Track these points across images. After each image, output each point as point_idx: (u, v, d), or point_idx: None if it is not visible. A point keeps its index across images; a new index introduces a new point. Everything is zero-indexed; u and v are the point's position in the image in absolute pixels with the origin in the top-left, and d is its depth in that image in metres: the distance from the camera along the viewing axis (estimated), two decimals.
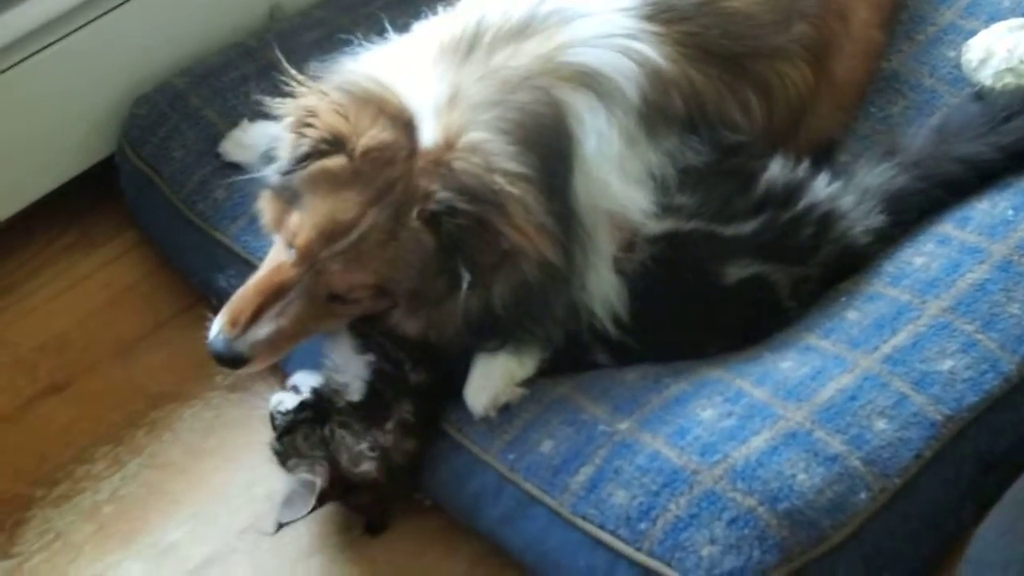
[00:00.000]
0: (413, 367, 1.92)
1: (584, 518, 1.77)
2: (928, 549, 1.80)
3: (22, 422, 2.19)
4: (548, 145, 1.83)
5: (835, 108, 2.14)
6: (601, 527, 1.76)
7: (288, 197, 1.87)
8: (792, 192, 1.93)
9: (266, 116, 2.25)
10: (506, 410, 1.89)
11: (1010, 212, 1.97)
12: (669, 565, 1.70)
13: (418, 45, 1.93)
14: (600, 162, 1.87)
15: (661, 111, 1.91)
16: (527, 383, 1.90)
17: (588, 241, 1.87)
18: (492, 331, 1.86)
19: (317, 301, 1.86)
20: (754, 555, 1.67)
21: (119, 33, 2.36)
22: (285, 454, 1.93)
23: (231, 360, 1.87)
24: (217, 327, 1.87)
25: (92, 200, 2.44)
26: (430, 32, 1.95)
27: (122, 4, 2.35)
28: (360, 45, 1.97)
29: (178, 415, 2.18)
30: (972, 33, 2.20)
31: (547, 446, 1.84)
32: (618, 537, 1.74)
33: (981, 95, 2.13)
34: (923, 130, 2.08)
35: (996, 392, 1.81)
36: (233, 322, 1.86)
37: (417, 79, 1.85)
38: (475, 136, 1.80)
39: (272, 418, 1.95)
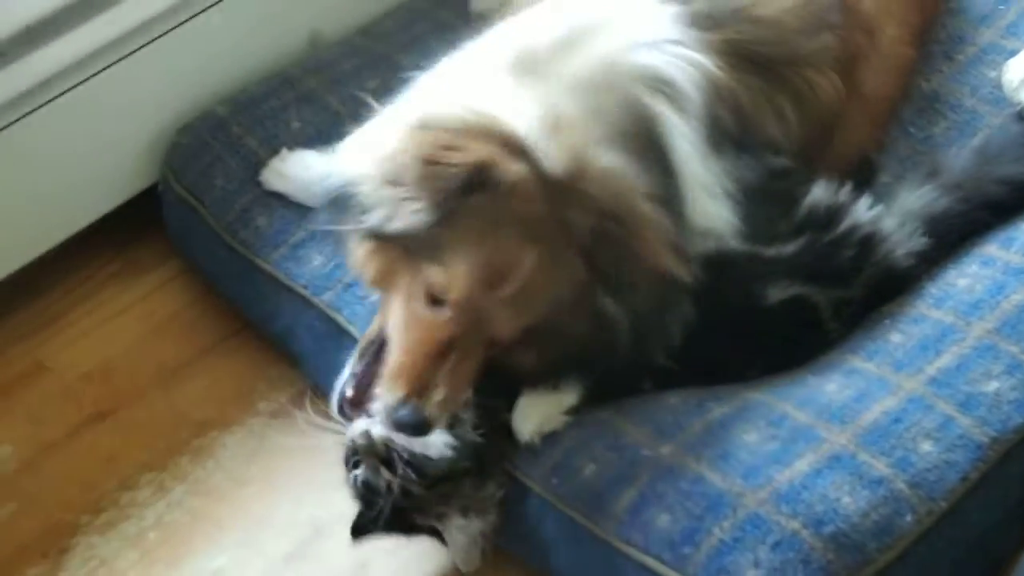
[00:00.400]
0: (502, 402, 1.89)
1: (628, 543, 1.76)
2: (975, 571, 1.78)
3: (68, 450, 2.21)
4: (656, 155, 1.81)
5: (866, 122, 2.13)
6: (645, 552, 1.75)
7: (413, 248, 1.75)
8: (834, 215, 1.92)
9: (306, 144, 2.31)
10: (550, 436, 1.89)
11: None
12: None
13: (480, 69, 1.86)
14: (690, 176, 1.85)
15: (719, 123, 1.89)
16: (573, 411, 1.89)
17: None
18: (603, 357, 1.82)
19: (480, 350, 1.78)
20: None
21: (162, 63, 2.38)
22: (427, 503, 1.85)
23: (422, 426, 1.76)
24: (394, 397, 1.75)
25: (136, 229, 2.46)
26: (484, 54, 1.89)
27: (164, 34, 2.38)
28: (414, 74, 1.92)
29: (221, 442, 2.19)
30: (1013, 53, 2.19)
31: (590, 470, 1.83)
32: (662, 561, 1.73)
33: (1022, 116, 2.12)
34: (964, 151, 2.07)
35: None
36: (419, 390, 1.74)
37: (504, 104, 1.77)
38: (602, 159, 1.74)
39: (400, 458, 1.84)
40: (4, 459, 2.20)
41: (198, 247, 2.35)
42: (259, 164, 2.30)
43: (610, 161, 1.76)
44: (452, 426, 1.84)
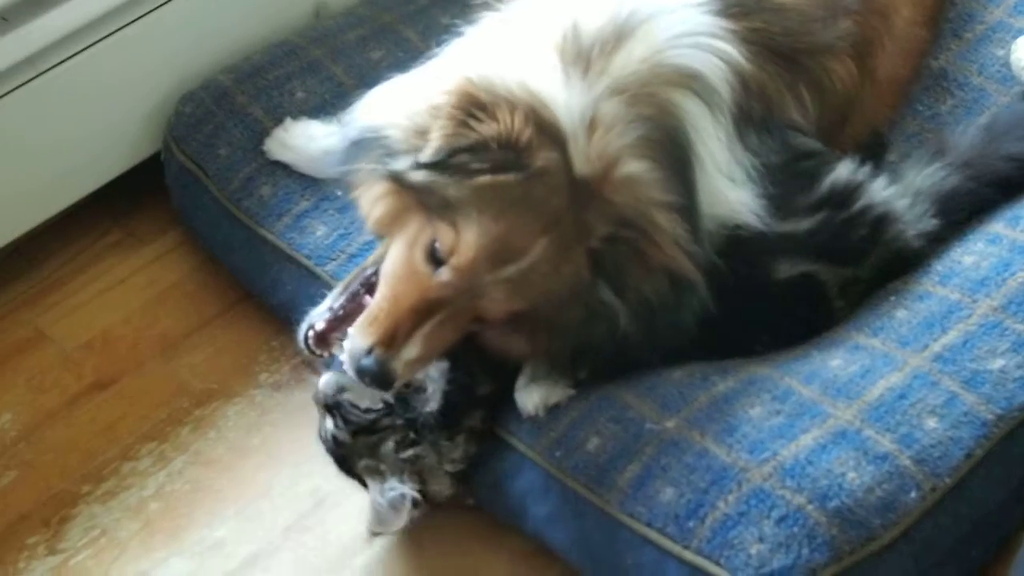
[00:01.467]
0: (483, 380, 1.91)
1: (631, 516, 1.76)
2: (979, 549, 1.78)
3: (68, 419, 2.20)
4: (680, 162, 1.81)
5: (879, 104, 2.13)
6: (648, 525, 1.75)
7: (431, 202, 1.74)
8: (851, 193, 1.92)
9: (309, 114, 2.29)
10: (554, 409, 1.88)
11: None
12: (717, 563, 1.69)
13: (527, 45, 1.83)
14: (713, 170, 1.85)
15: (744, 111, 1.89)
16: (577, 384, 1.89)
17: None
18: (607, 353, 1.83)
19: (463, 322, 1.78)
20: (803, 553, 1.66)
21: (165, 31, 2.37)
22: (353, 453, 1.89)
23: (384, 378, 1.76)
24: (365, 343, 1.75)
25: (137, 198, 2.45)
26: (527, 28, 1.86)
27: (168, 2, 2.36)
28: (460, 33, 1.89)
29: (222, 412, 2.18)
30: (1021, 32, 2.19)
31: (594, 444, 1.83)
32: (666, 535, 1.73)
33: None
34: (971, 129, 2.06)
35: None
36: (389, 341, 1.74)
37: (555, 91, 1.76)
38: (629, 167, 1.75)
39: (337, 406, 1.89)
40: (4, 427, 2.19)
41: (201, 216, 2.34)
42: (263, 133, 2.29)
43: (635, 169, 1.76)
44: (409, 386, 1.86)
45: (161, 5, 2.36)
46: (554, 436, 1.86)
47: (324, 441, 1.93)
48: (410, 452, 1.88)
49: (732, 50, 1.87)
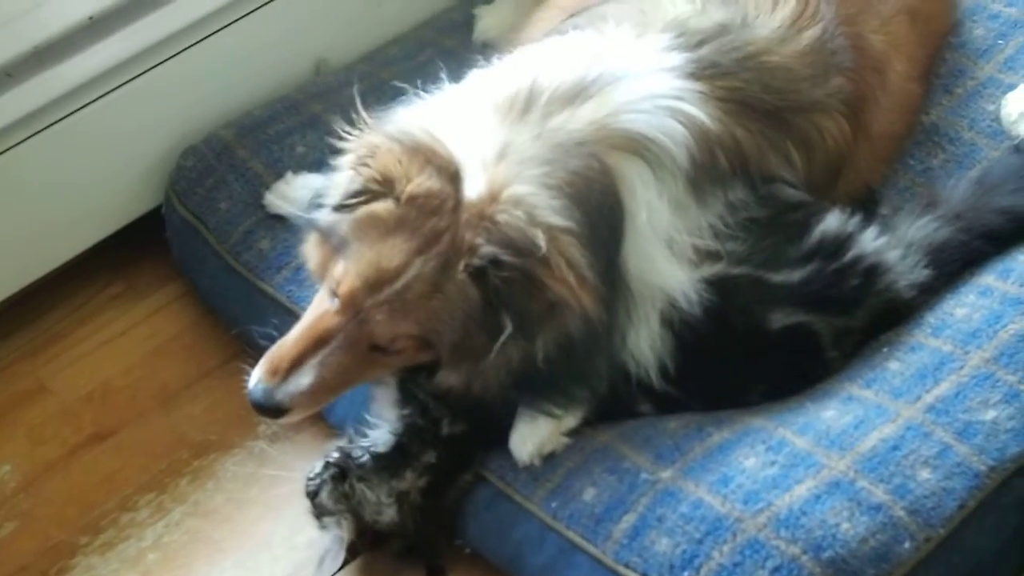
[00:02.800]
0: (450, 421, 1.93)
1: (627, 566, 1.77)
2: None
3: (67, 470, 2.21)
4: (597, 208, 1.83)
5: (873, 160, 2.16)
6: (644, 575, 1.75)
7: (335, 244, 1.87)
8: (842, 244, 1.94)
9: (310, 168, 2.32)
10: (550, 459, 1.89)
11: None
12: None
13: (472, 100, 1.93)
14: (650, 236, 1.87)
15: (708, 171, 1.91)
16: (572, 432, 1.91)
17: (633, 303, 1.87)
18: (535, 385, 1.86)
19: (359, 350, 1.85)
20: None
21: (167, 86, 2.40)
22: (318, 515, 1.96)
23: (270, 410, 1.86)
24: (257, 376, 1.87)
25: (139, 251, 2.48)
26: (483, 87, 1.96)
27: (171, 58, 2.40)
28: (415, 95, 1.98)
29: (221, 464, 2.19)
30: (1011, 87, 2.22)
31: (590, 494, 1.84)
32: None
33: (1020, 148, 2.14)
34: (963, 182, 2.09)
35: None
36: (273, 371, 1.85)
37: (468, 133, 1.85)
38: (519, 189, 1.80)
39: (306, 486, 1.97)
40: (3, 479, 2.20)
41: (200, 269, 2.36)
42: (263, 187, 2.32)
43: (525, 192, 1.80)
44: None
45: (164, 61, 2.39)
46: (550, 486, 1.87)
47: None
48: (338, 491, 1.92)
49: (697, 112, 1.90)
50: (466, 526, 1.96)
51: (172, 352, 2.36)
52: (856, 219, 1.97)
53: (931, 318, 1.95)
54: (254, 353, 1.93)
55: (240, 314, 2.29)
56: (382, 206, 1.81)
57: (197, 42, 2.41)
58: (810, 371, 1.92)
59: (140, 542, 2.10)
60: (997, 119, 2.20)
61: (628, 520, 1.79)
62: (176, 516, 2.13)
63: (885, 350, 1.93)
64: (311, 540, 2.05)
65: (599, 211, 1.83)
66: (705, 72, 1.95)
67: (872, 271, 1.93)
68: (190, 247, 2.37)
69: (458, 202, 1.80)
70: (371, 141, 1.85)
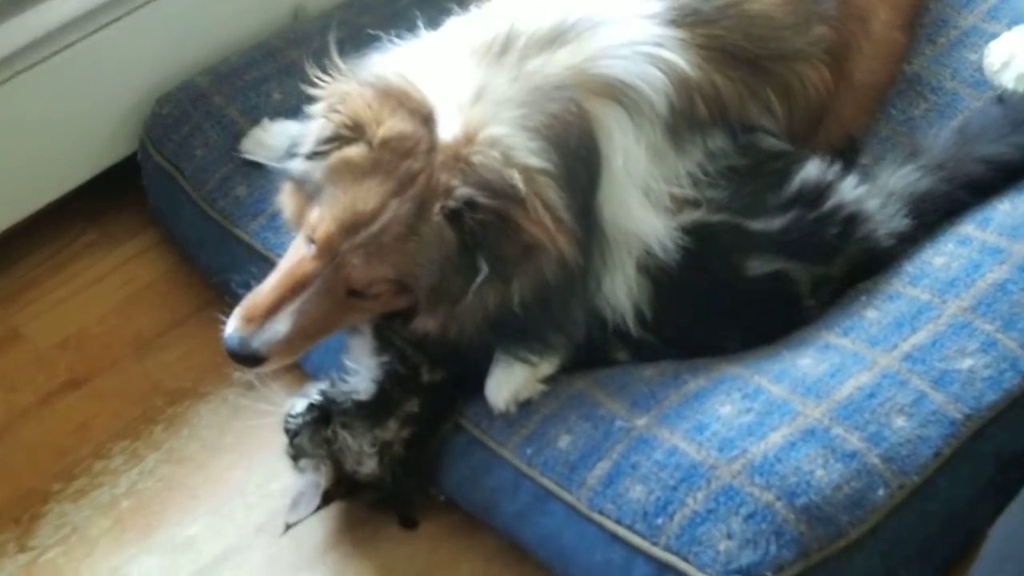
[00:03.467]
0: (429, 368, 1.92)
1: (601, 513, 1.77)
2: (946, 547, 1.79)
3: (40, 417, 2.20)
4: (574, 151, 1.82)
5: (855, 109, 2.14)
6: (618, 522, 1.75)
7: (309, 191, 1.86)
8: (822, 192, 1.93)
9: (287, 114, 2.30)
10: (525, 406, 1.89)
11: None
12: (686, 560, 1.69)
13: (448, 44, 1.92)
14: (626, 182, 1.86)
15: (687, 119, 1.90)
16: (548, 379, 1.90)
17: (608, 249, 1.86)
18: (511, 330, 1.85)
19: (336, 296, 1.84)
20: (771, 550, 1.66)
21: (142, 32, 2.37)
22: (296, 456, 1.94)
23: (246, 358, 1.85)
24: (232, 324, 1.85)
25: (114, 198, 2.45)
26: (461, 32, 1.94)
27: (146, 4, 2.36)
28: (391, 42, 1.96)
29: (195, 412, 2.18)
30: (994, 36, 2.21)
31: (565, 441, 1.83)
32: (635, 532, 1.74)
33: (1003, 98, 2.13)
34: (945, 132, 2.08)
35: (1015, 391, 1.81)
36: (249, 319, 1.84)
37: (443, 76, 1.84)
38: (495, 130, 1.78)
39: (285, 423, 1.96)
40: None
41: (176, 216, 2.34)
42: (239, 134, 2.30)
43: (501, 132, 1.78)
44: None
45: (139, 7, 2.36)
46: (525, 433, 1.86)
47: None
48: (320, 436, 1.91)
49: (676, 59, 1.89)
50: (441, 474, 1.95)
51: (147, 300, 2.35)
52: (836, 168, 1.96)
53: (909, 267, 1.95)
54: (231, 301, 1.91)
55: (216, 261, 2.27)
56: (355, 150, 1.80)
57: None
58: (787, 319, 1.91)
59: (114, 489, 2.09)
60: (980, 69, 2.19)
61: (603, 467, 1.79)
62: (150, 463, 2.12)
63: (863, 299, 1.93)
64: (286, 487, 2.04)
65: (576, 154, 1.82)
66: (686, 19, 1.94)
67: (852, 220, 1.92)
68: (166, 194, 2.35)
69: (433, 144, 1.78)
70: (341, 88, 1.84)
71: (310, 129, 1.89)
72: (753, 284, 1.89)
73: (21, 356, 2.28)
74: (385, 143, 1.79)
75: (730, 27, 1.97)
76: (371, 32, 2.32)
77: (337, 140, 1.81)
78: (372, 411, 1.91)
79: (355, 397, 1.92)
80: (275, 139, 2.25)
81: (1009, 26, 2.21)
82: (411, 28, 2.22)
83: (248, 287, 2.19)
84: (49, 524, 2.06)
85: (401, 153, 1.79)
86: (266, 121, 2.28)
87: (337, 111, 1.82)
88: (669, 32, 1.91)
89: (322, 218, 1.82)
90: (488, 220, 1.76)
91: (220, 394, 2.20)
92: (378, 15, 2.46)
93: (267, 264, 2.16)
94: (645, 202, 1.88)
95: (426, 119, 1.80)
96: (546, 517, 1.83)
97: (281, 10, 2.54)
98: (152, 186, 2.39)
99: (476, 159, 1.77)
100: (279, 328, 1.83)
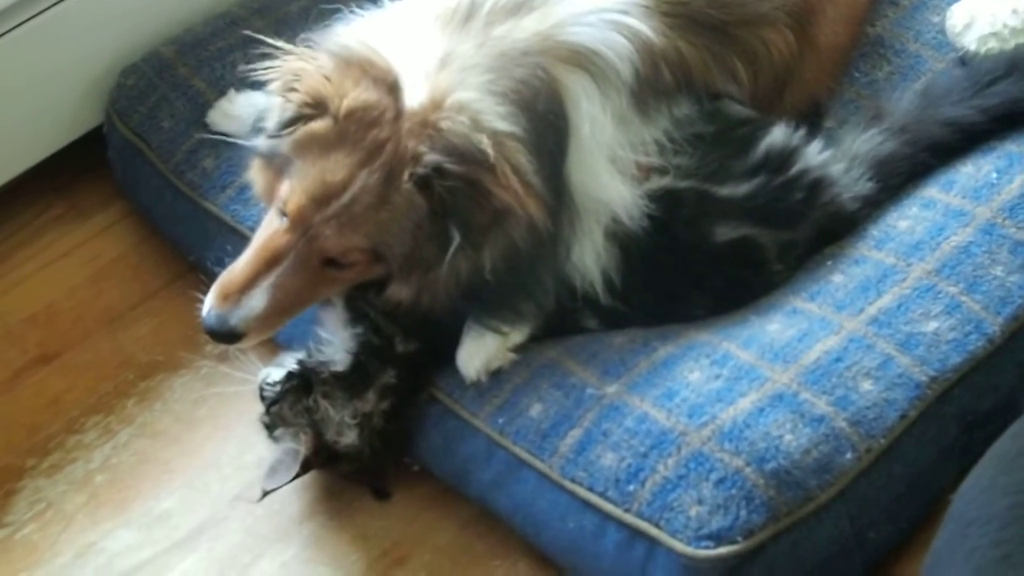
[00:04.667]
0: (403, 339, 1.93)
1: (573, 480, 1.79)
2: (914, 508, 1.82)
3: (12, 393, 2.19)
4: (542, 115, 1.82)
5: (819, 73, 2.15)
6: (590, 489, 1.77)
7: (278, 165, 1.85)
8: (787, 157, 1.94)
9: (253, 86, 2.29)
10: (497, 375, 1.90)
11: (994, 175, 1.98)
12: (657, 526, 1.72)
13: (412, 12, 1.91)
14: (593, 149, 1.86)
15: (653, 86, 1.91)
16: (519, 348, 1.91)
17: (577, 216, 1.87)
18: (483, 298, 1.86)
19: (311, 268, 1.84)
20: (741, 515, 1.69)
21: (105, 3, 2.35)
22: (273, 424, 1.95)
23: (225, 335, 1.85)
24: (209, 302, 1.85)
25: (80, 172, 2.44)
26: (424, 1, 1.92)
27: None
28: (353, 12, 1.95)
29: (168, 385, 2.18)
30: None
31: (536, 410, 1.85)
32: (607, 499, 1.76)
33: (965, 60, 2.14)
34: (908, 95, 2.09)
35: (980, 353, 1.83)
36: (225, 296, 1.84)
37: (408, 43, 1.83)
38: (463, 95, 1.78)
39: (261, 391, 1.96)
40: None
41: (143, 189, 2.33)
42: (206, 105, 2.29)
43: (469, 97, 1.78)
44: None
45: None
46: (497, 402, 1.88)
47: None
48: (300, 405, 1.91)
49: (641, 26, 1.89)
50: (414, 443, 1.96)
51: (117, 273, 2.34)
52: (801, 133, 1.97)
53: (874, 231, 1.97)
54: (205, 279, 1.91)
55: (184, 234, 2.27)
56: (320, 124, 1.80)
57: None
58: (755, 284, 1.93)
59: (88, 464, 2.10)
60: (942, 30, 2.20)
61: (574, 435, 1.80)
62: (123, 437, 2.12)
63: (829, 263, 1.94)
64: (260, 459, 2.05)
65: (545, 119, 1.82)
66: None
67: (816, 184, 1.94)
68: (132, 167, 2.34)
69: (399, 112, 1.78)
70: (295, 65, 1.83)
71: (272, 106, 1.88)
72: (720, 250, 1.90)
73: None
74: (350, 114, 1.79)
75: None
76: (331, 3, 2.33)
77: (299, 120, 1.81)
78: (350, 383, 1.91)
79: (332, 368, 1.93)
80: (241, 110, 2.25)
81: None
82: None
83: (219, 263, 2.21)
84: (24, 500, 2.06)
85: (367, 123, 1.79)
86: (232, 92, 2.27)
87: (294, 89, 1.82)
88: None
89: (292, 191, 1.82)
90: (457, 187, 1.76)
91: (192, 367, 2.19)
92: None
93: (236, 236, 2.17)
94: (612, 170, 1.88)
95: (391, 87, 1.80)
96: (519, 485, 1.84)
97: None
98: (118, 159, 2.38)
99: (444, 124, 1.77)
100: (255, 304, 1.83)
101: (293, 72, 1.83)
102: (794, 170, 1.93)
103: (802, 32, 2.07)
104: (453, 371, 1.92)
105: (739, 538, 1.68)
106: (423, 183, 1.77)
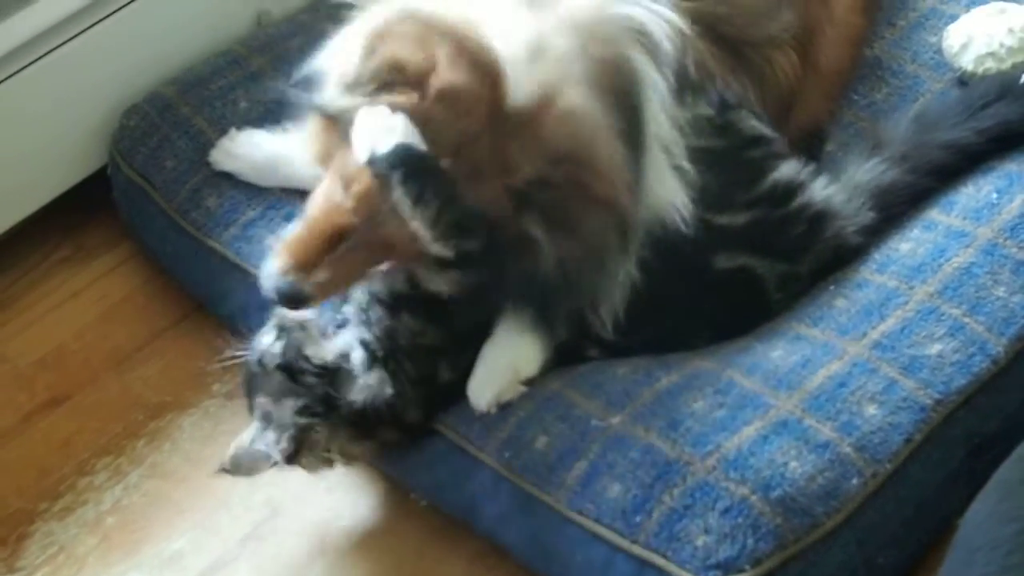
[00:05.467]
0: (415, 407, 1.91)
1: (580, 512, 1.78)
2: (921, 533, 1.81)
3: (22, 437, 2.20)
4: (624, 102, 1.78)
5: (821, 96, 2.15)
6: (597, 521, 1.77)
7: (345, 129, 1.73)
8: (792, 192, 1.93)
9: (254, 123, 2.30)
10: (502, 408, 1.89)
11: (994, 195, 1.98)
12: (665, 556, 1.71)
13: None
14: (656, 141, 1.83)
15: (684, 76, 1.88)
16: (530, 381, 1.90)
17: (633, 231, 1.83)
18: (543, 294, 1.80)
19: (376, 250, 1.78)
20: (748, 543, 1.68)
21: (107, 45, 2.37)
22: (264, 383, 1.90)
23: (295, 298, 1.79)
24: (278, 266, 1.77)
25: (86, 213, 2.45)
26: None
27: (109, 16, 2.36)
28: None
29: (177, 425, 2.19)
30: (953, 18, 2.22)
31: (542, 442, 1.84)
32: (614, 530, 1.75)
33: (963, 80, 2.14)
34: (904, 120, 2.08)
35: (984, 375, 1.82)
36: (302, 264, 1.76)
37: (498, 20, 1.73)
38: (570, 99, 1.71)
39: (288, 334, 1.89)
40: None
41: (149, 229, 2.35)
42: (208, 144, 2.30)
43: (577, 101, 1.73)
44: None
45: (102, 19, 2.36)
46: (502, 436, 1.87)
47: (250, 351, 1.92)
48: (305, 421, 1.88)
49: (674, 15, 1.86)
50: (421, 479, 1.97)
51: (124, 314, 2.35)
52: (810, 169, 1.96)
53: (876, 254, 1.96)
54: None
55: (189, 273, 2.28)
56: (405, 99, 1.69)
57: None
58: (755, 313, 1.93)
59: (99, 506, 2.10)
60: (939, 51, 2.20)
61: (580, 467, 1.80)
62: (134, 479, 2.13)
63: (831, 288, 1.94)
64: (269, 497, 2.06)
65: (632, 109, 1.78)
66: None
67: (819, 218, 1.93)
68: (137, 207, 2.36)
69: (497, 104, 1.70)
70: (383, 21, 1.73)
71: (340, 50, 1.78)
72: (719, 279, 1.90)
73: (0, 377, 2.28)
74: (442, 97, 1.68)
75: (715, 6, 1.96)
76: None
77: (376, 80, 1.69)
78: (356, 427, 1.89)
79: (349, 404, 1.88)
80: (243, 149, 2.26)
81: (967, 7, 2.22)
82: None
83: (223, 301, 2.22)
84: (36, 544, 2.06)
85: (459, 111, 1.69)
86: (233, 131, 2.29)
87: (381, 46, 1.70)
88: None
89: (362, 171, 1.71)
90: (556, 195, 1.70)
91: (201, 406, 2.20)
92: (342, 19, 2.46)
93: (240, 274, 2.18)
94: (668, 164, 1.84)
95: (491, 76, 1.70)
96: (527, 518, 1.84)
97: (245, 16, 2.54)
98: (123, 199, 2.39)
99: (551, 134, 1.69)
100: (321, 275, 1.77)
101: (383, 25, 1.73)
102: (795, 204, 1.92)
103: (804, 54, 2.08)
104: (458, 406, 1.92)
105: (747, 567, 1.68)
106: (519, 195, 1.71)
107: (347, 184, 1.75)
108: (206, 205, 2.27)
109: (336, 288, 1.84)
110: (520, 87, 1.70)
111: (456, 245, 1.73)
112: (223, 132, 2.30)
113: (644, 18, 1.84)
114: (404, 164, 1.67)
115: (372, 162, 1.69)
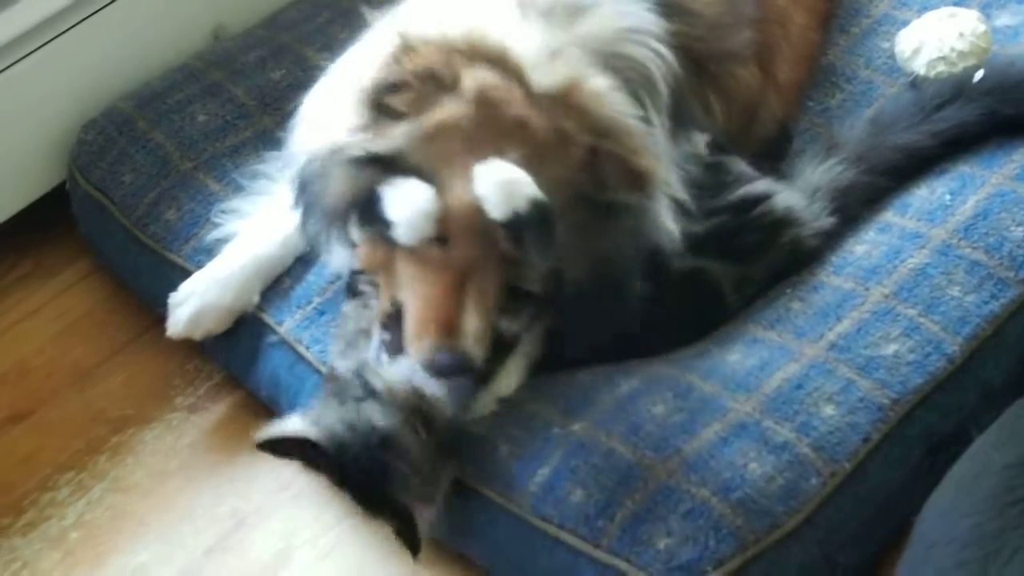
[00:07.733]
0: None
1: (544, 519, 1.79)
2: (881, 531, 1.82)
3: None
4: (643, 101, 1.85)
5: (782, 106, 2.18)
6: (560, 526, 1.78)
7: (400, 166, 1.71)
8: (753, 202, 1.95)
9: (213, 135, 2.30)
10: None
11: (948, 197, 2.01)
12: (628, 560, 1.72)
13: (474, 5, 1.84)
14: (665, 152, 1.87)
15: (676, 113, 1.92)
16: (504, 399, 1.89)
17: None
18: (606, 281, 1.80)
19: (495, 271, 1.74)
20: (710, 545, 1.70)
21: (62, 61, 2.37)
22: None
23: (462, 364, 1.73)
24: (427, 346, 1.72)
25: (45, 229, 2.45)
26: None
27: (65, 31, 2.36)
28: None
29: (140, 439, 2.18)
30: (905, 23, 2.25)
31: (504, 451, 1.85)
32: (577, 535, 1.76)
33: (915, 84, 2.17)
34: (859, 123, 2.11)
35: (940, 374, 1.85)
36: (448, 330, 1.71)
37: (505, 27, 1.78)
38: (597, 81, 1.76)
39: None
40: None
41: (108, 244, 2.34)
42: (166, 158, 2.30)
43: (603, 85, 1.78)
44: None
45: (58, 35, 2.36)
46: (466, 448, 1.88)
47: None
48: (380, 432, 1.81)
49: (668, 52, 1.90)
50: None
51: (85, 329, 2.35)
52: (782, 183, 1.99)
53: (833, 257, 1.98)
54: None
55: (149, 287, 2.27)
56: (449, 111, 1.71)
57: (91, 14, 2.38)
58: (709, 314, 1.94)
59: (62, 521, 2.09)
60: (892, 56, 2.23)
61: (543, 474, 1.81)
62: (97, 493, 2.12)
63: (788, 291, 1.96)
64: (233, 509, 2.06)
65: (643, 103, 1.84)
66: (661, 11, 1.94)
67: (777, 224, 1.95)
68: (96, 222, 2.35)
69: (534, 94, 1.73)
70: (405, 36, 1.74)
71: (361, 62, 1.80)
72: (676, 278, 1.90)
73: None
74: (481, 96, 1.70)
75: (687, 24, 1.98)
76: (289, 51, 2.34)
77: (404, 87, 1.70)
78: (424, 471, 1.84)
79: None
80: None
81: (919, 13, 2.25)
82: (330, 46, 2.24)
83: None
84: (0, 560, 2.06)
85: (499, 104, 1.71)
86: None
87: (407, 57, 1.72)
88: (660, 22, 1.92)
89: (450, 196, 1.69)
90: (613, 167, 1.73)
91: (163, 419, 2.20)
92: (300, 32, 2.47)
93: None
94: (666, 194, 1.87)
95: (511, 69, 1.74)
96: (491, 526, 1.85)
97: (201, 30, 2.54)
98: (82, 215, 2.39)
99: (589, 107, 1.73)
100: (472, 324, 1.73)
101: (409, 39, 1.74)
102: (756, 211, 1.95)
103: (764, 69, 2.11)
104: None
105: (709, 568, 1.69)
106: (584, 162, 1.72)
107: (440, 232, 1.70)
108: (165, 218, 2.27)
109: (487, 331, 1.75)
110: (543, 75, 1.74)
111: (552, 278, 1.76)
112: (181, 146, 2.30)
113: (647, 59, 1.88)
114: (539, 219, 1.68)
115: (513, 224, 1.68)
